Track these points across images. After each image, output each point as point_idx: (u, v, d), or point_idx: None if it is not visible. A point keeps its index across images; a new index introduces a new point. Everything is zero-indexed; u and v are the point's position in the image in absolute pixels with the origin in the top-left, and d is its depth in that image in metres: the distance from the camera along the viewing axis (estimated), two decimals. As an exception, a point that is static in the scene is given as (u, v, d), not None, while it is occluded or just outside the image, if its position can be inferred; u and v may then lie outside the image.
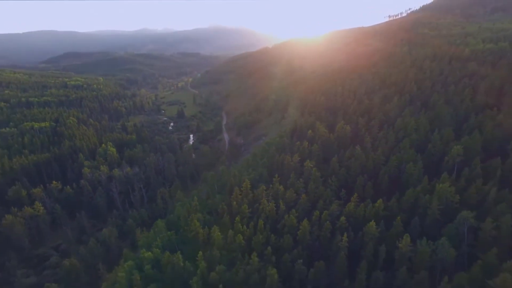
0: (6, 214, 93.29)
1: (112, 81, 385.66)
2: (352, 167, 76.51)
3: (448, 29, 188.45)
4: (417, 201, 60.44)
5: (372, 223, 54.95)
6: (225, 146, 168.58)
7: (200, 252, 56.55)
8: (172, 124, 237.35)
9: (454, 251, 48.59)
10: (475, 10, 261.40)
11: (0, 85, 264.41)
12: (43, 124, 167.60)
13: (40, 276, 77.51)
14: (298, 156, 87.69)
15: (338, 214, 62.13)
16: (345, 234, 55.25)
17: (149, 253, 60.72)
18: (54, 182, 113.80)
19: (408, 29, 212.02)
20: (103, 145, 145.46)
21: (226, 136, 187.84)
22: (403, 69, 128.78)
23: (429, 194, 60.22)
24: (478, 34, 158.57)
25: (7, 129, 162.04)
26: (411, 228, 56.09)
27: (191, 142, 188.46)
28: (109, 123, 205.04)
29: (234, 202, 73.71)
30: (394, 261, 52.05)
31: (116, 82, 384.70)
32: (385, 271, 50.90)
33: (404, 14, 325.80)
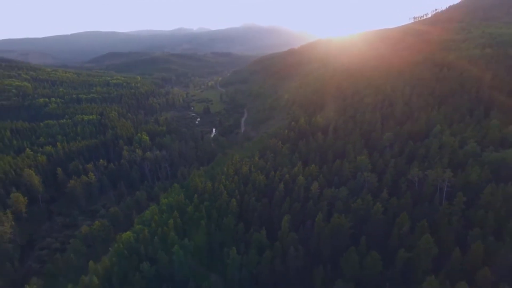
0: (70, 180, 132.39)
1: (149, 80, 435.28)
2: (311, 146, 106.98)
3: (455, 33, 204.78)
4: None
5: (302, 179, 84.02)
6: (240, 138, 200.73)
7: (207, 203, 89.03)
8: (198, 119, 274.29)
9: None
10: (497, 11, 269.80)
11: (55, 84, 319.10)
12: (91, 117, 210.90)
13: (92, 221, 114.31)
14: (278, 140, 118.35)
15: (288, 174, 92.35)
16: (282, 183, 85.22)
17: (167, 200, 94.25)
18: (101, 160, 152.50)
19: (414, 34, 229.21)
20: (139, 134, 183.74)
21: (243, 130, 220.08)
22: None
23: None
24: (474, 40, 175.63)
25: (64, 120, 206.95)
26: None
27: (212, 135, 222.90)
28: (144, 117, 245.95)
29: (225, 169, 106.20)
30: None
31: (152, 81, 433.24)
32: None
33: (429, 15, 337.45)
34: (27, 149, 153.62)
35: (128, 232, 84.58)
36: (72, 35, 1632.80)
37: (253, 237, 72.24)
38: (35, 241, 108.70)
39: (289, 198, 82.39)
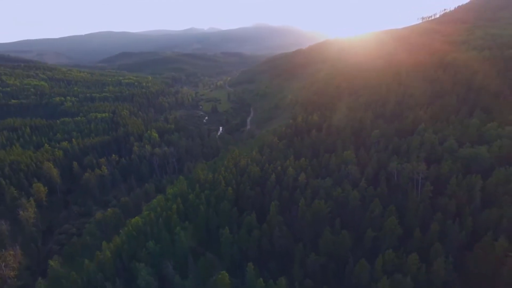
0: (85, 173, 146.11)
1: (159, 80, 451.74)
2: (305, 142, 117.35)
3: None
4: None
5: (292, 170, 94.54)
6: (244, 136, 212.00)
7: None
8: (206, 117, 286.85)
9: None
10: (505, 12, 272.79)
11: (70, 83, 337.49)
12: (103, 115, 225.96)
13: (105, 210, 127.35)
14: (275, 137, 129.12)
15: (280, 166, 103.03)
16: (274, 174, 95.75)
17: (172, 190, 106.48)
18: (113, 155, 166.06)
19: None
20: (148, 131, 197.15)
21: (248, 128, 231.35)
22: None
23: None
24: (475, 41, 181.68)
25: (79, 118, 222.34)
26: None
27: (219, 133, 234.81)
28: (154, 115, 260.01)
29: (225, 162, 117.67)
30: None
31: (163, 81, 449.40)
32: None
33: (437, 16, 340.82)
34: (46, 144, 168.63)
35: (136, 217, 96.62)
36: (86, 35, 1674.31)
37: (245, 220, 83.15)
38: (54, 227, 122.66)
39: (279, 187, 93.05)
